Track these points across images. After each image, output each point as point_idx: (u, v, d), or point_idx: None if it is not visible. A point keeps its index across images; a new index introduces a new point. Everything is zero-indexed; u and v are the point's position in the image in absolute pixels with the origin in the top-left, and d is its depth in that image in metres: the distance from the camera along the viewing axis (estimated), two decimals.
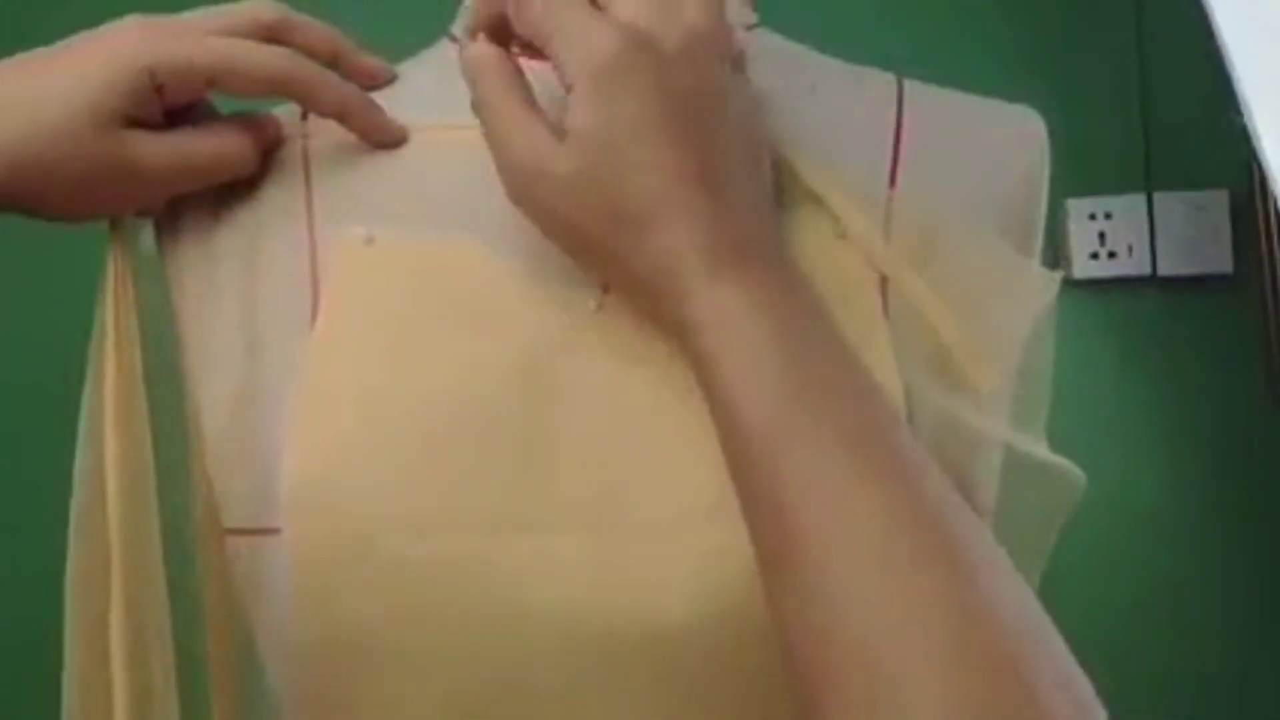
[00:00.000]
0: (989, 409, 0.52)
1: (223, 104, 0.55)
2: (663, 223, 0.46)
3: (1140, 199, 1.31)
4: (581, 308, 0.51)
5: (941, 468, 0.44)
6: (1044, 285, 0.53)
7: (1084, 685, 0.40)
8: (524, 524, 0.48)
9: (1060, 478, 0.53)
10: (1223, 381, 1.31)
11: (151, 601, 0.52)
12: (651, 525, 0.48)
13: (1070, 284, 1.30)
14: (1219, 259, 1.31)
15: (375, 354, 0.50)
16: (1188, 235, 1.31)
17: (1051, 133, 0.57)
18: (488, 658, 0.48)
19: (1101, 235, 1.31)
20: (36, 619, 0.65)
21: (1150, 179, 1.31)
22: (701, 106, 0.47)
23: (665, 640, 0.47)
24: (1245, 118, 1.01)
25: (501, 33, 0.49)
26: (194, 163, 0.52)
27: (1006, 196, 0.55)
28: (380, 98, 0.55)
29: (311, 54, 0.54)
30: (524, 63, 0.49)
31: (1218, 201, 1.31)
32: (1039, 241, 0.56)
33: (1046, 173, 0.56)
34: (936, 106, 0.56)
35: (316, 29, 0.55)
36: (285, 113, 0.55)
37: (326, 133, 0.54)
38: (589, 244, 0.47)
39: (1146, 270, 1.31)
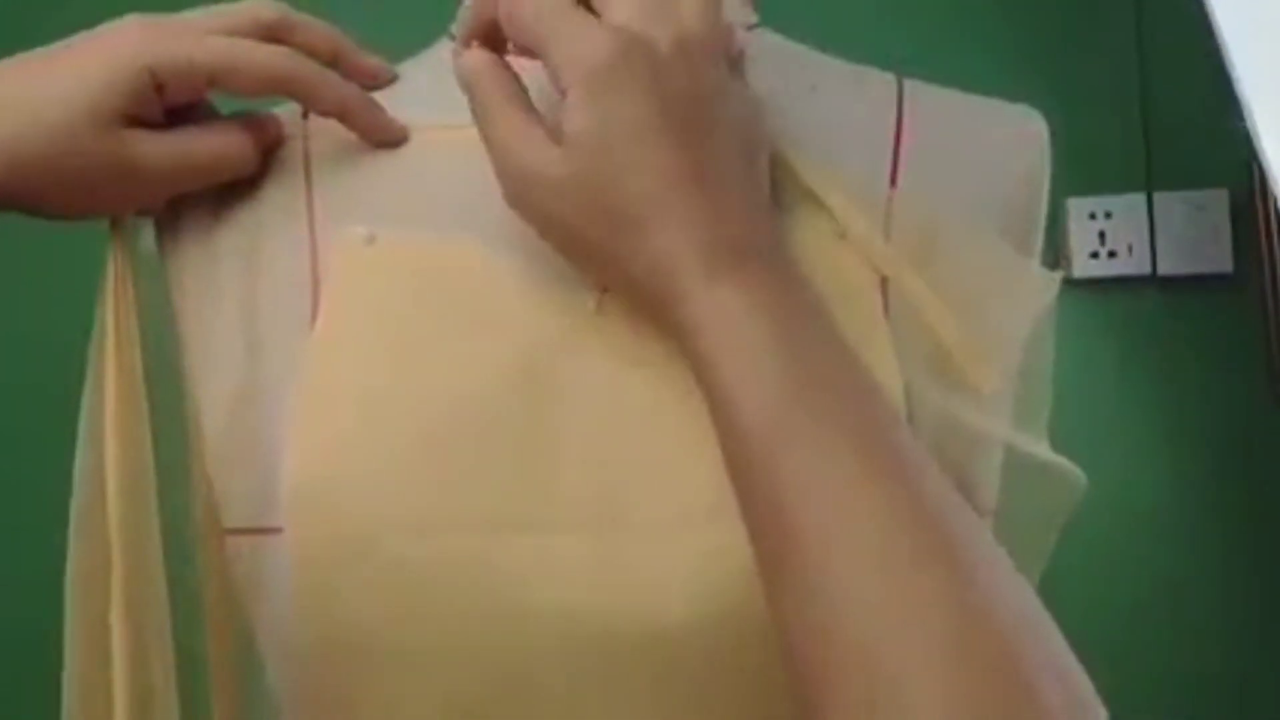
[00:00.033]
0: (989, 409, 0.52)
1: (223, 104, 0.55)
2: (659, 224, 0.46)
3: (1140, 198, 1.31)
4: (581, 308, 0.51)
5: (942, 468, 0.44)
6: (1044, 285, 0.53)
7: (1084, 684, 0.40)
8: (524, 524, 0.48)
9: (1061, 478, 0.53)
10: (1223, 381, 1.31)
11: (151, 601, 0.52)
12: (651, 525, 0.48)
13: (1070, 284, 1.30)
14: (1219, 259, 1.31)
15: (375, 354, 0.50)
16: (1188, 235, 1.31)
17: (1052, 132, 0.57)
18: (488, 657, 0.48)
19: (1101, 235, 1.31)
20: (36, 619, 0.65)
21: (1150, 179, 1.31)
22: (697, 108, 0.47)
23: (665, 640, 0.47)
24: (1245, 118, 1.01)
25: (494, 38, 0.49)
26: (194, 162, 0.52)
27: (1007, 196, 0.55)
28: (380, 97, 0.55)
29: (312, 53, 0.54)
30: (518, 62, 0.49)
31: (1218, 201, 1.31)
32: (1039, 241, 0.56)
33: (1048, 173, 0.56)
34: (937, 106, 0.56)
35: (317, 28, 0.55)
36: (286, 112, 0.55)
37: (327, 132, 0.54)
38: (586, 247, 0.47)
39: (1146, 270, 1.31)
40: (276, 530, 0.49)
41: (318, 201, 0.54)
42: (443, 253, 0.52)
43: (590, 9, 0.47)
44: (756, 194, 0.49)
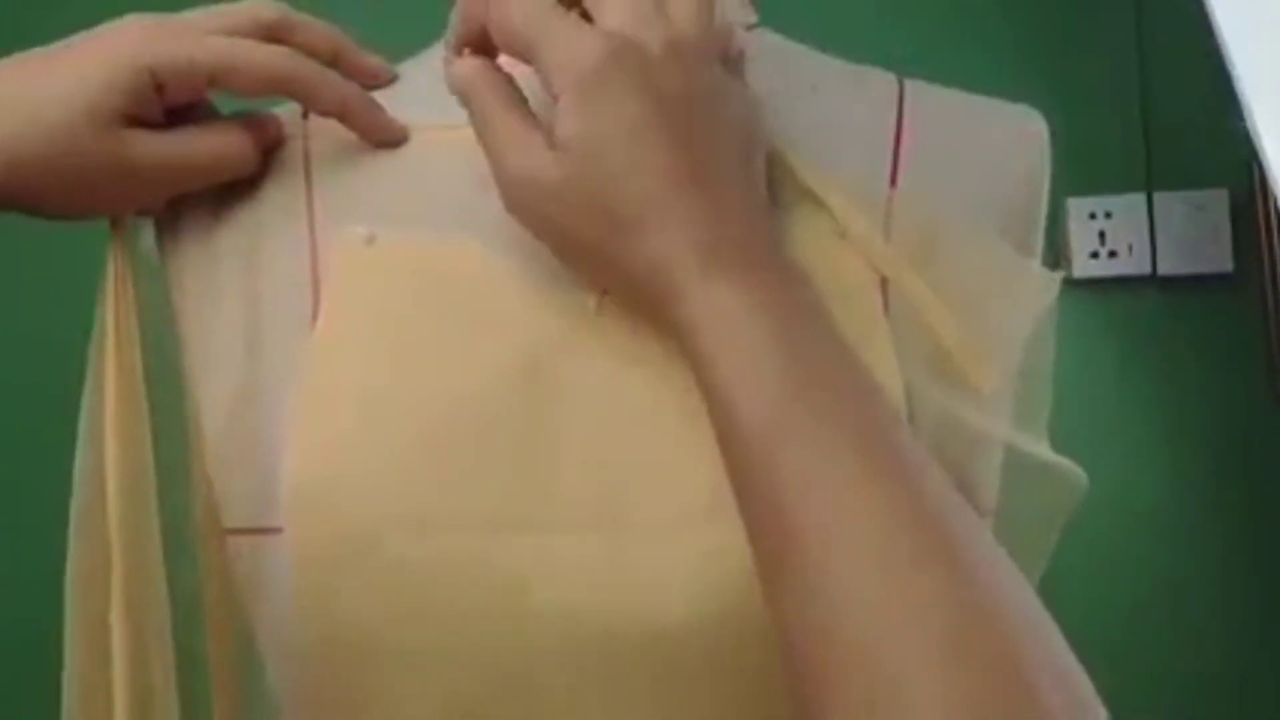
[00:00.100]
0: (990, 409, 0.52)
1: (223, 103, 0.55)
2: (656, 224, 0.46)
3: (1140, 198, 1.31)
4: (581, 308, 0.51)
5: (942, 468, 0.44)
6: (1044, 285, 0.53)
7: (1084, 684, 0.40)
8: (524, 524, 0.48)
9: (1061, 478, 0.53)
10: (1223, 381, 1.31)
11: (151, 601, 0.52)
12: (652, 525, 0.48)
13: (1070, 283, 1.30)
14: (1219, 259, 1.31)
15: (376, 354, 0.50)
16: (1188, 235, 1.31)
17: (1052, 132, 0.57)
18: (488, 657, 0.48)
19: (1101, 235, 1.31)
20: (36, 619, 0.65)
21: (1150, 178, 1.31)
22: (691, 108, 0.47)
23: (665, 640, 0.47)
24: (1245, 118, 1.01)
25: (485, 45, 0.49)
26: (194, 162, 0.52)
27: (1007, 196, 0.55)
28: (380, 97, 0.55)
29: (312, 53, 0.54)
30: (510, 64, 0.49)
31: (1218, 201, 1.31)
32: (1039, 241, 0.56)
33: (1048, 173, 0.56)
34: (937, 106, 0.56)
35: (317, 28, 0.55)
36: (286, 112, 0.55)
37: (327, 132, 0.54)
38: (585, 249, 0.48)
39: (1146, 270, 1.31)
40: (276, 530, 0.49)
41: (318, 201, 0.54)
42: (443, 253, 0.52)
43: (584, 14, 0.47)
44: (754, 194, 0.49)
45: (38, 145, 0.49)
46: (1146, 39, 1.32)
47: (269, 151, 0.54)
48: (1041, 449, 0.53)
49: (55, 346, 0.76)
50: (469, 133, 0.49)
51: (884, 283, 0.52)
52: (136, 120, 0.51)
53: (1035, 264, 0.55)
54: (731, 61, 0.52)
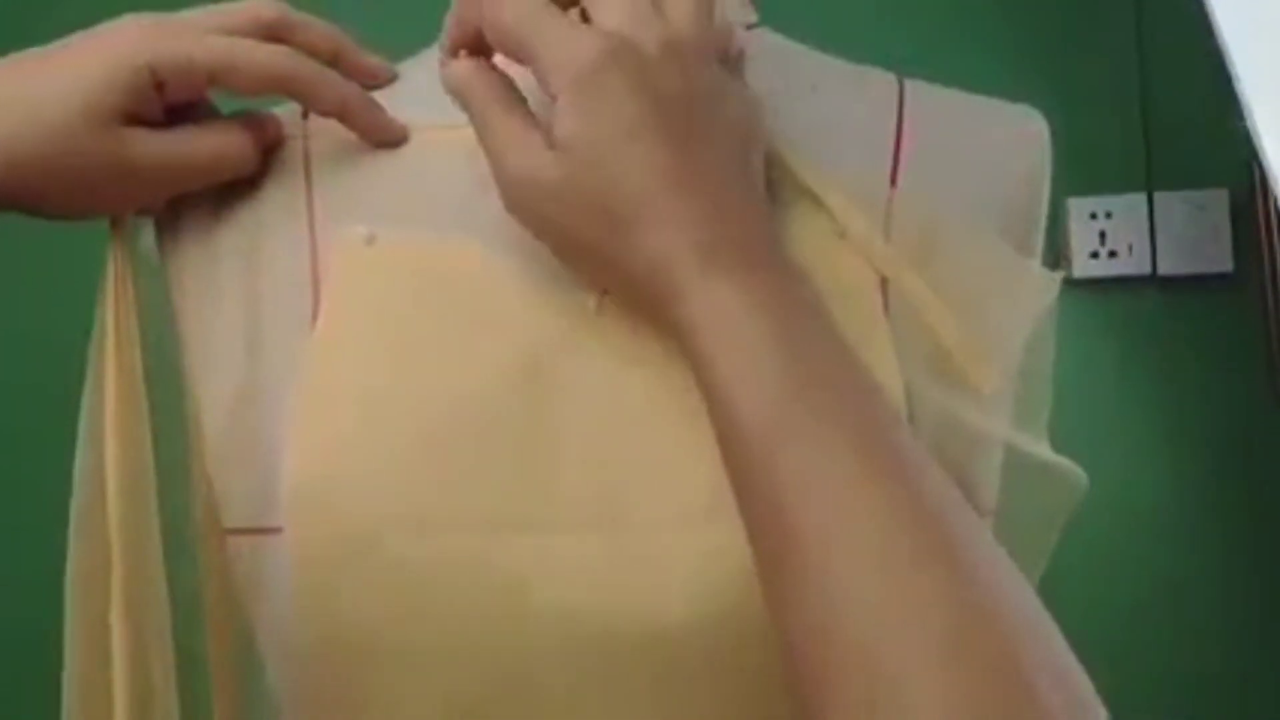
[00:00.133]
0: (990, 409, 0.52)
1: (223, 103, 0.55)
2: (655, 224, 0.46)
3: (1140, 198, 1.31)
4: (581, 308, 0.51)
5: (942, 468, 0.44)
6: (1045, 286, 0.53)
7: (1084, 684, 0.40)
8: (524, 524, 0.48)
9: (1061, 478, 0.53)
10: (1223, 381, 1.31)
11: (151, 601, 0.52)
12: (652, 525, 0.48)
13: (1070, 283, 1.30)
14: (1219, 258, 1.31)
15: (376, 353, 0.50)
16: (1188, 235, 1.31)
17: (1052, 132, 0.57)
18: (488, 657, 0.48)
19: (1102, 234, 1.31)
20: (36, 619, 0.65)
21: (1150, 178, 1.31)
22: (690, 108, 0.47)
23: (665, 640, 0.47)
24: (1245, 118, 1.01)
25: (480, 46, 0.49)
26: (194, 161, 0.52)
27: (1007, 196, 0.55)
28: (380, 97, 0.55)
29: (312, 53, 0.54)
30: (505, 65, 0.49)
31: (1218, 201, 1.31)
32: (1040, 241, 0.56)
33: (1048, 173, 0.56)
34: (938, 106, 0.56)
35: (317, 27, 0.55)
36: (286, 112, 0.55)
37: (327, 132, 0.54)
38: (584, 248, 0.47)
39: (1147, 270, 1.31)
40: (276, 530, 0.49)
41: (318, 201, 0.54)
42: (443, 253, 0.52)
43: (583, 15, 0.47)
44: (754, 193, 0.49)
45: (36, 144, 0.49)
46: (1146, 39, 1.32)
47: (269, 151, 0.54)
48: (1041, 449, 0.53)
49: (55, 346, 0.76)
50: (469, 133, 0.49)
51: (884, 282, 0.52)
52: (136, 119, 0.51)
53: (1035, 264, 0.55)
54: (731, 61, 0.52)
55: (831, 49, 0.58)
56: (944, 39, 1.33)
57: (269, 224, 0.54)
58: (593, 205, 0.46)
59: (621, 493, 0.48)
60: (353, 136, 0.54)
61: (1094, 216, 1.31)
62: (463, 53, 0.50)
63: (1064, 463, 0.53)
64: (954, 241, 0.53)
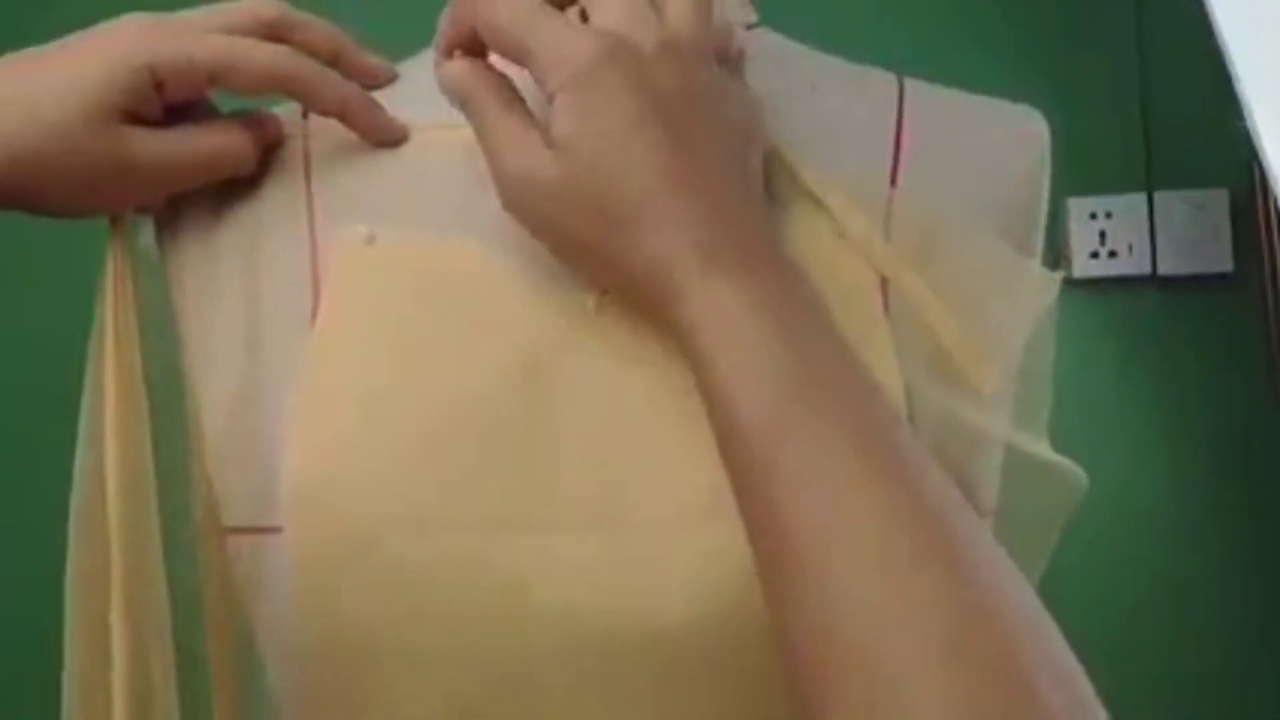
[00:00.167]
0: (990, 409, 0.52)
1: (223, 102, 0.55)
2: (654, 223, 0.46)
3: (1140, 198, 1.31)
4: (581, 308, 0.51)
5: (942, 468, 0.44)
6: (1045, 286, 0.53)
7: (1084, 684, 0.40)
8: (524, 523, 0.48)
9: (1061, 477, 0.53)
10: (1223, 381, 1.31)
11: (151, 601, 0.52)
12: (652, 525, 0.48)
13: (1070, 283, 1.30)
14: (1219, 258, 1.31)
15: (375, 353, 0.50)
16: (1188, 235, 1.31)
17: (1052, 132, 0.57)
18: (488, 657, 0.48)
19: (1102, 234, 1.31)
20: (36, 619, 0.65)
21: (1150, 178, 1.31)
22: (688, 107, 0.47)
23: (665, 640, 0.47)
24: (1245, 118, 1.01)
25: (475, 47, 0.49)
26: (194, 160, 0.52)
27: (1007, 196, 0.55)
28: (380, 97, 0.55)
29: (312, 52, 0.54)
30: (501, 64, 0.49)
31: (1218, 201, 1.31)
32: (1040, 241, 0.56)
33: (1048, 173, 0.56)
34: (937, 106, 0.56)
35: (317, 27, 0.55)
36: (286, 111, 0.55)
37: (327, 132, 0.54)
38: (583, 248, 0.47)
39: (1147, 270, 1.31)
40: (276, 530, 0.49)
41: (317, 201, 0.54)
42: (442, 253, 0.52)
43: (581, 15, 0.47)
44: (753, 193, 0.49)
45: (35, 143, 0.49)
46: (1146, 39, 1.32)
47: (269, 150, 0.54)
48: (1041, 449, 0.53)
49: (55, 346, 0.76)
50: (468, 132, 0.49)
51: (884, 282, 0.52)
52: (136, 118, 0.51)
53: (1035, 264, 0.55)
54: (731, 61, 0.52)
55: (831, 49, 0.58)
56: (944, 39, 1.33)
57: (269, 223, 0.54)
58: (591, 204, 0.46)
59: (621, 493, 0.48)
60: (353, 136, 0.54)
61: (1094, 216, 1.31)
62: (458, 53, 0.50)
63: (1064, 463, 0.53)
64: (954, 241, 0.53)
